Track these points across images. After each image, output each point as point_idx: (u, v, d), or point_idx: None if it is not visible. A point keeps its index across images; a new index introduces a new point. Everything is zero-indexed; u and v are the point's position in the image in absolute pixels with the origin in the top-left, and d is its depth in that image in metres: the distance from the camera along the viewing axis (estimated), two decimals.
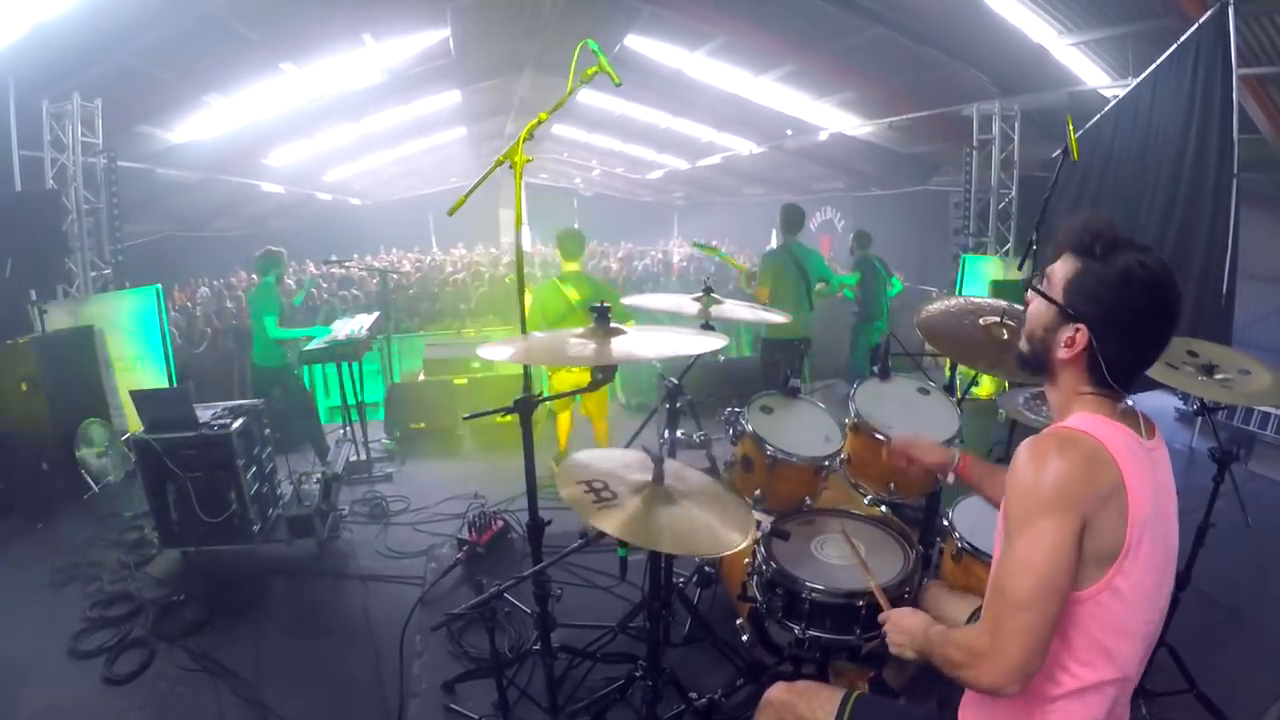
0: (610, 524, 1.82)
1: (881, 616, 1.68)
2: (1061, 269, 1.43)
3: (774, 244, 5.59)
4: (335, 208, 18.74)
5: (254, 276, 5.76)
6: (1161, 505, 1.37)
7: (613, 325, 2.18)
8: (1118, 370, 1.38)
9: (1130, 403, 1.45)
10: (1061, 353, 1.42)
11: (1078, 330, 1.39)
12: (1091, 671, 1.34)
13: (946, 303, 2.80)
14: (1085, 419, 1.37)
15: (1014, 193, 7.54)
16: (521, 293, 2.49)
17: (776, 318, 3.42)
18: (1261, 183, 6.11)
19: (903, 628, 1.58)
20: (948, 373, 3.32)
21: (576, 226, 5.19)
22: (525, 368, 2.40)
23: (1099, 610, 1.32)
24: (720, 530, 1.91)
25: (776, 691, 1.80)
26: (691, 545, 1.89)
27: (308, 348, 5.00)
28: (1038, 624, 1.27)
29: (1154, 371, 2.35)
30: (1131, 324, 1.36)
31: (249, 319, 5.82)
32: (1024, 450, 1.35)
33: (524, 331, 2.51)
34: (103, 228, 6.35)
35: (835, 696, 1.69)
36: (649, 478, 2.01)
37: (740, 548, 1.90)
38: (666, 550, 1.93)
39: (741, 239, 18.26)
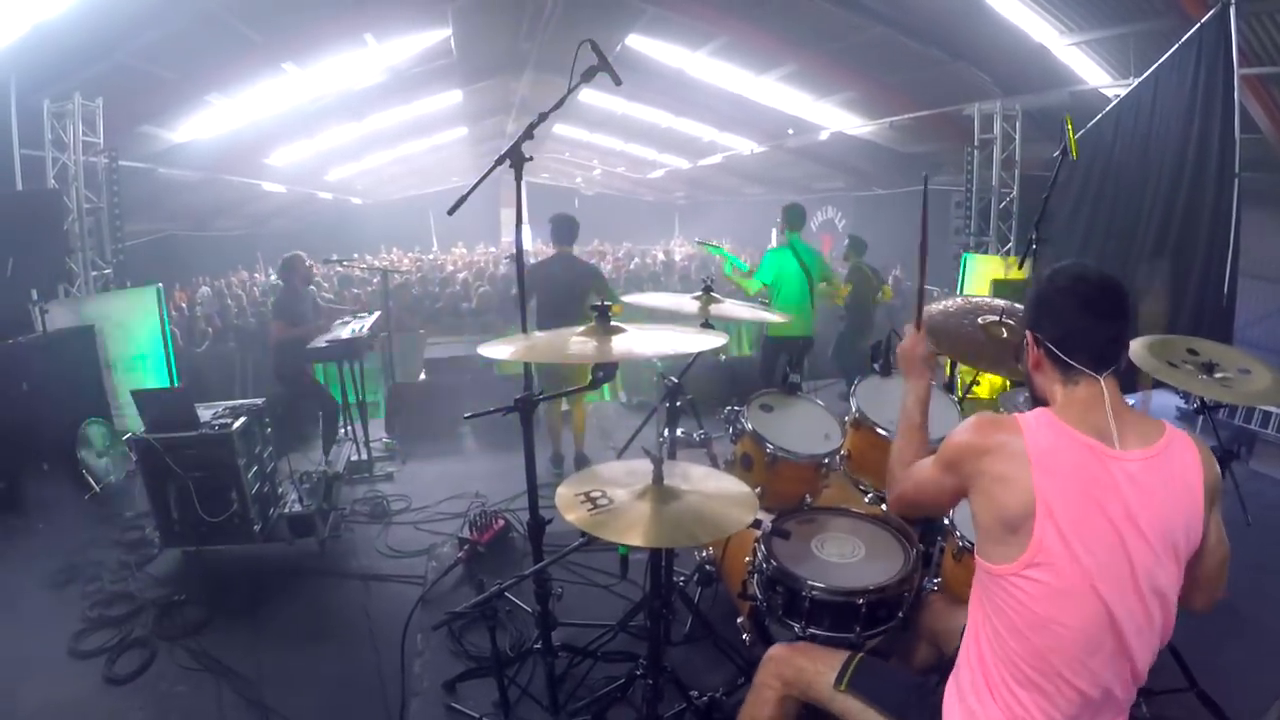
0: (614, 531, 1.82)
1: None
2: None
3: (774, 243, 5.59)
4: (336, 207, 18.77)
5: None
6: (1101, 525, 1.38)
7: (613, 324, 2.19)
8: (1062, 347, 1.50)
9: (1105, 398, 1.48)
10: (1030, 365, 1.59)
11: (1028, 338, 1.58)
12: (1026, 664, 1.42)
13: (946, 302, 2.80)
14: (1032, 415, 1.49)
15: (1015, 192, 7.54)
16: (522, 290, 2.48)
17: (775, 318, 3.42)
18: (1263, 182, 6.10)
19: (908, 353, 1.96)
20: (947, 372, 3.32)
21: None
22: (526, 366, 2.40)
23: (1017, 592, 1.40)
24: (726, 513, 1.93)
25: (778, 649, 1.89)
26: (698, 535, 1.89)
27: (311, 346, 5.00)
28: (911, 511, 1.95)
29: (1154, 370, 2.35)
30: (1056, 305, 1.53)
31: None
32: (975, 415, 1.56)
33: (524, 330, 2.51)
34: (104, 227, 6.36)
35: (839, 656, 1.78)
36: (649, 481, 2.01)
37: (742, 526, 1.93)
38: (677, 545, 1.95)
39: (744, 238, 18.25)
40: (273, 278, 5.64)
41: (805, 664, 1.80)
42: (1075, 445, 1.41)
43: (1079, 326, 1.49)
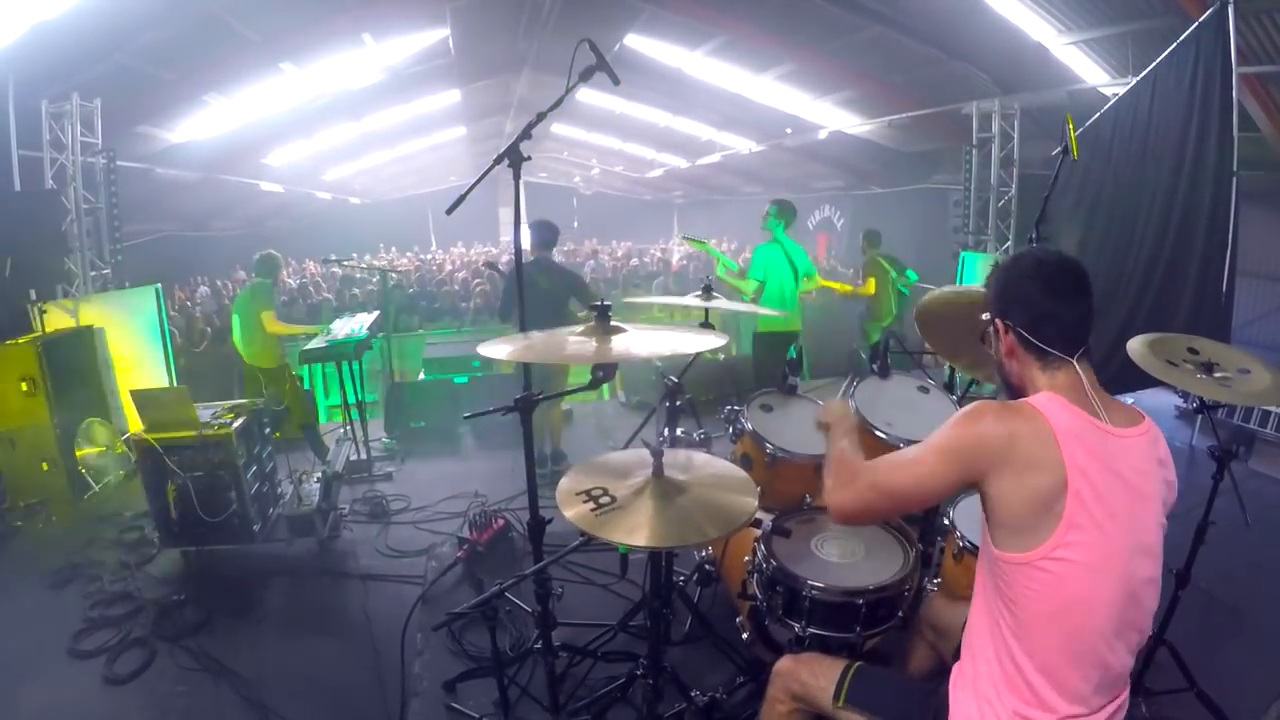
0: (619, 533, 1.80)
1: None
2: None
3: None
4: (334, 207, 18.75)
5: (253, 276, 5.79)
6: (1120, 494, 1.42)
7: (613, 324, 2.18)
8: (1035, 332, 1.52)
9: (1083, 379, 1.51)
10: (1003, 353, 1.59)
11: (994, 323, 1.59)
12: (1055, 649, 1.42)
13: (946, 289, 2.79)
14: (1041, 397, 1.49)
15: (1014, 190, 7.55)
16: (521, 290, 2.47)
17: (770, 313, 3.42)
18: (1261, 180, 6.10)
19: (834, 412, 1.85)
20: (948, 371, 3.32)
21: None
22: (525, 366, 2.39)
23: (1043, 577, 1.39)
24: (728, 506, 1.91)
25: (784, 662, 1.89)
26: (706, 529, 1.87)
27: (307, 347, 5.00)
28: (881, 504, 1.57)
29: (1154, 369, 2.35)
30: (1022, 290, 1.55)
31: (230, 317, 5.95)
32: (974, 403, 1.51)
33: (523, 329, 2.50)
34: (102, 227, 6.35)
35: (836, 667, 1.78)
36: (649, 473, 1.99)
37: (751, 515, 1.91)
38: (686, 542, 1.92)
39: (744, 237, 18.23)
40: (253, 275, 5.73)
41: (808, 679, 1.79)
42: (1085, 422, 1.44)
43: (1047, 310, 1.52)
